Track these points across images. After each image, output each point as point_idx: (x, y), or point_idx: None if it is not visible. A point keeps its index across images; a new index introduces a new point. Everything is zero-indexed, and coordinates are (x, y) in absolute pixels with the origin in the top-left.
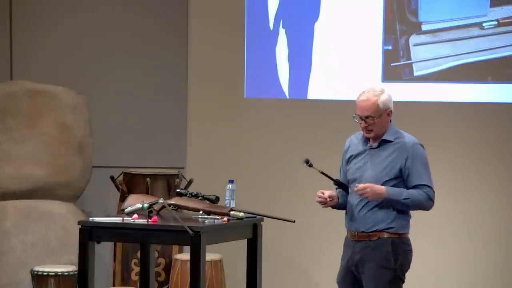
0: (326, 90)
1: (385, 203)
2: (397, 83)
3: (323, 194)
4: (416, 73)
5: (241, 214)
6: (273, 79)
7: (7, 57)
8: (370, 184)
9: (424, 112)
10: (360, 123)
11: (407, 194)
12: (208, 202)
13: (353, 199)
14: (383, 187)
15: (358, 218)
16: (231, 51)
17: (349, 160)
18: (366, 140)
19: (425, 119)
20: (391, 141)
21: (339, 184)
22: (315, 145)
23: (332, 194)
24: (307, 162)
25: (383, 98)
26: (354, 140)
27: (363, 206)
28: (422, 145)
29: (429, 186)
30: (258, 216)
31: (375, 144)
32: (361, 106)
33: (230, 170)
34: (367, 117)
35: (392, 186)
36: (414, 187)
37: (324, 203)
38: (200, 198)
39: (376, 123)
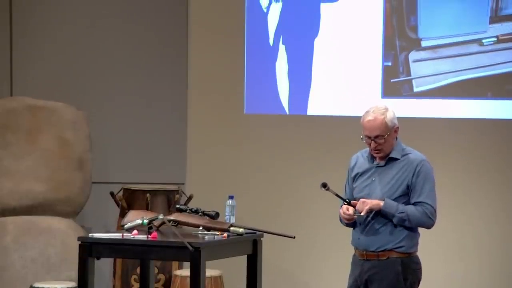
0: (326, 105)
1: (382, 215)
2: (397, 99)
3: (348, 210)
4: (416, 89)
5: (241, 230)
6: (273, 95)
7: (7, 74)
8: (362, 199)
9: (424, 128)
10: (369, 144)
11: (403, 208)
12: (208, 218)
13: (361, 217)
14: (379, 201)
15: (366, 236)
16: (231, 66)
17: (355, 178)
18: (373, 157)
19: (425, 135)
20: (398, 159)
21: (350, 204)
22: (315, 161)
23: (353, 211)
24: (324, 186)
25: (389, 115)
26: (360, 158)
27: (371, 225)
28: (428, 162)
29: (428, 204)
30: (258, 232)
31: (382, 162)
32: (369, 127)
33: (230, 186)
34: (376, 136)
35: (403, 203)
36: (414, 204)
37: (351, 220)
38: (200, 214)
39: (385, 142)
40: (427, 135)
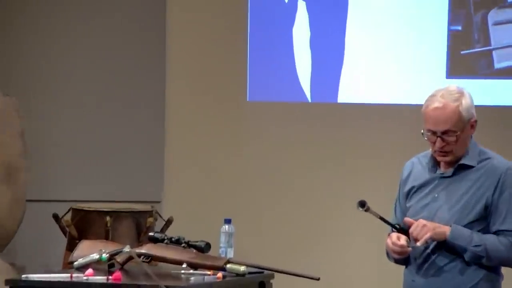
0: (364, 90)
1: (448, 247)
2: (469, 80)
3: (399, 240)
4: (497, 65)
5: (242, 268)
6: (289, 80)
7: None
8: (422, 220)
9: (509, 119)
10: (433, 143)
11: (479, 239)
12: (194, 251)
13: (416, 250)
14: (443, 226)
15: (425, 278)
16: (224, 58)
17: (410, 194)
18: (436, 164)
19: (509, 129)
20: (473, 167)
21: (402, 231)
22: (351, 166)
23: (406, 240)
24: (362, 205)
25: (466, 103)
26: (417, 165)
27: (433, 261)
28: None
29: None
30: (266, 271)
31: (449, 171)
32: (435, 117)
33: (226, 205)
34: (445, 132)
35: (479, 231)
36: (496, 232)
37: (403, 254)
38: (183, 245)
39: (458, 141)
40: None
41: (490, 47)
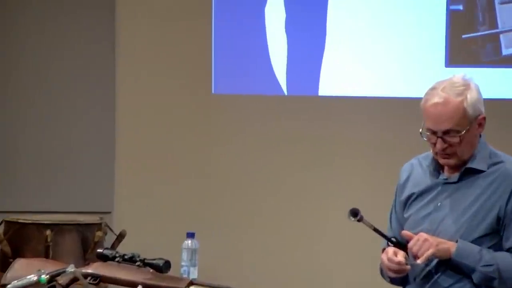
0: (349, 82)
1: (453, 266)
2: (472, 69)
3: (396, 256)
4: (505, 51)
5: None
6: (262, 72)
7: None
8: (423, 234)
9: None
10: (434, 144)
11: (490, 258)
12: (151, 270)
13: (416, 269)
14: (447, 242)
15: None
16: (184, 51)
17: (409, 202)
18: (437, 167)
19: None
20: (483, 171)
21: (399, 246)
22: (337, 169)
23: (404, 256)
24: (355, 214)
25: (472, 97)
26: (417, 168)
27: (435, 282)
28: None
29: None
30: None
31: (454, 176)
32: (435, 115)
33: (188, 216)
34: (447, 132)
35: (490, 247)
36: (510, 249)
37: (401, 272)
38: (138, 263)
39: (462, 142)
40: None
41: (497, 30)
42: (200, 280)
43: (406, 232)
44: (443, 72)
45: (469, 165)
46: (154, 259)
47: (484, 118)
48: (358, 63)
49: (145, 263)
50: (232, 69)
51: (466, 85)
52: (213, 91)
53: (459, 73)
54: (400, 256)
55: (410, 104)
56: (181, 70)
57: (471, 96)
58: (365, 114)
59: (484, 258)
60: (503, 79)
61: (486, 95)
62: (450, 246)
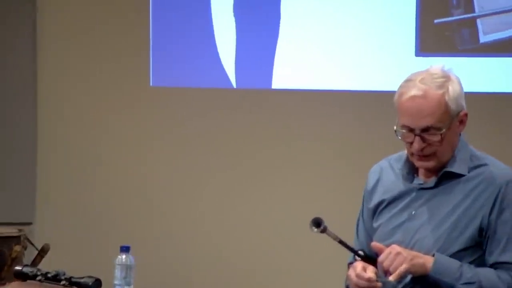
0: (307, 74)
1: (430, 283)
2: (445, 58)
3: (366, 272)
4: (483, 38)
5: None
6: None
7: None
8: (396, 246)
9: (498, 109)
10: (410, 144)
11: (473, 275)
12: None
13: (388, 286)
14: (423, 256)
15: None
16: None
17: (377, 210)
18: (411, 171)
19: (498, 121)
20: (463, 176)
21: (367, 260)
22: (291, 169)
23: (374, 272)
24: (317, 224)
25: (454, 90)
26: (388, 172)
27: None
28: None
29: None
30: None
31: (430, 181)
32: (413, 109)
33: (122, 227)
34: (426, 129)
35: (472, 262)
36: (494, 265)
37: None
38: (63, 282)
39: (443, 141)
40: (504, 120)
41: (474, 14)
42: None
43: (376, 244)
44: (413, 62)
45: (448, 168)
46: (82, 278)
47: (466, 115)
48: (316, 53)
49: (71, 282)
50: (173, 60)
51: (447, 77)
52: (151, 84)
53: (437, 64)
54: (370, 272)
55: (374, 98)
56: (115, 61)
57: (453, 89)
58: (323, 109)
59: (465, 275)
60: (481, 70)
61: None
62: (426, 261)
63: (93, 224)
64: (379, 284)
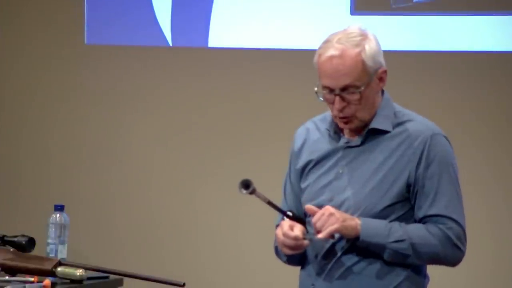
0: (241, 33)
1: (363, 246)
2: (380, 17)
3: (292, 230)
4: None
5: (78, 272)
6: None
7: None
8: (330, 208)
9: (432, 67)
10: (331, 103)
11: (403, 232)
12: (12, 249)
13: (317, 246)
14: (355, 218)
15: (329, 281)
16: None
17: (304, 171)
18: (338, 130)
19: (427, 80)
20: (388, 132)
21: (294, 219)
22: (225, 131)
23: (302, 231)
24: (246, 186)
25: (370, 48)
26: (314, 132)
27: (339, 260)
28: (447, 137)
29: (452, 219)
30: (112, 276)
31: (356, 139)
32: (331, 69)
33: (55, 186)
34: (345, 88)
35: (397, 218)
36: (423, 219)
37: (298, 248)
38: None
39: (362, 100)
40: (431, 79)
41: None
42: (70, 260)
43: (309, 207)
44: (348, 21)
45: (372, 125)
46: (16, 236)
47: (385, 72)
48: (252, 11)
49: (4, 241)
50: (108, 17)
51: (364, 35)
52: (86, 42)
53: (356, 24)
54: (297, 230)
55: (309, 56)
56: (49, 19)
57: (369, 46)
58: (259, 68)
59: (394, 234)
60: (415, 29)
61: (397, 46)
62: (358, 224)
63: (26, 183)
64: (306, 242)
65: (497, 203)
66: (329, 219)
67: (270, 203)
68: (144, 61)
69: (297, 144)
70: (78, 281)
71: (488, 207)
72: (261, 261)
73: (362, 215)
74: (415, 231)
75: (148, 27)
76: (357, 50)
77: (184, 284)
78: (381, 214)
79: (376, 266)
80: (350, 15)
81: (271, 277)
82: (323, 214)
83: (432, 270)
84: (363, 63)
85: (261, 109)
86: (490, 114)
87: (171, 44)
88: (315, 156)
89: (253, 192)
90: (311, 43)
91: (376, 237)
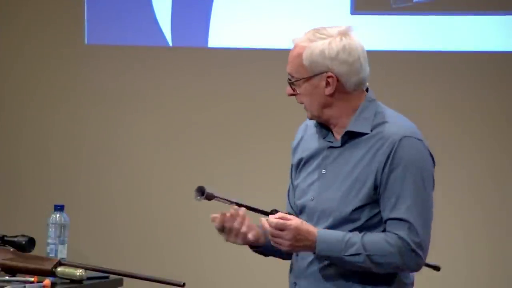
0: (242, 33)
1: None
2: (381, 16)
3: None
4: None
5: (79, 271)
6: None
7: None
8: (285, 217)
9: (431, 67)
10: None
11: (360, 245)
12: (12, 249)
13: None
14: (314, 230)
15: (309, 280)
16: None
17: (298, 168)
18: (324, 129)
19: (427, 80)
20: (365, 134)
21: (262, 212)
22: (226, 132)
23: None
24: (201, 192)
25: (319, 49)
26: (311, 130)
27: (314, 259)
28: (422, 141)
29: (413, 225)
30: (112, 276)
31: (337, 140)
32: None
33: (56, 186)
34: (290, 77)
35: (368, 220)
36: (386, 221)
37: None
38: None
39: (302, 91)
40: (438, 80)
41: None
42: (70, 260)
43: (263, 223)
44: (348, 20)
45: (349, 127)
46: (16, 236)
47: (332, 78)
48: (252, 11)
49: (4, 241)
50: (108, 17)
51: (330, 37)
52: (86, 42)
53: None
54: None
55: None
56: (49, 19)
57: (319, 48)
58: (259, 68)
59: (350, 248)
60: (415, 29)
61: (397, 46)
62: (313, 240)
63: (26, 183)
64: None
65: (497, 203)
66: (281, 238)
67: (238, 204)
68: (144, 61)
69: (296, 140)
70: (78, 281)
71: (488, 207)
72: (261, 261)
73: (335, 217)
74: (373, 243)
75: (148, 27)
76: (304, 45)
77: (184, 284)
78: (352, 217)
79: (350, 270)
80: (350, 15)
81: (271, 277)
82: (283, 230)
83: (428, 271)
84: (300, 58)
85: (261, 109)
86: (490, 114)
87: (171, 44)
88: (305, 154)
89: (210, 197)
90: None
91: (332, 251)
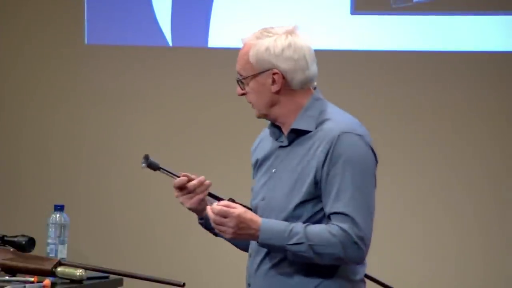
0: (241, 32)
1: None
2: (381, 17)
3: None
4: None
5: (79, 271)
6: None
7: None
8: (230, 205)
9: (431, 67)
10: None
11: (303, 235)
12: (12, 249)
13: (253, 244)
14: (258, 219)
15: (261, 278)
16: None
17: (255, 169)
18: (277, 130)
19: (427, 80)
20: (309, 132)
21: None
22: (226, 129)
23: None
24: (146, 160)
25: (265, 47)
26: (266, 132)
27: (266, 256)
28: (362, 136)
29: (353, 219)
30: (112, 276)
31: (286, 139)
32: None
33: (55, 186)
34: (238, 75)
35: (311, 216)
36: (329, 216)
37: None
38: None
39: (250, 90)
40: (434, 79)
41: None
42: (70, 260)
43: (207, 208)
44: (348, 20)
45: (293, 125)
46: (16, 236)
47: (278, 75)
48: (252, 11)
49: (4, 241)
50: (108, 17)
51: (277, 35)
52: (86, 42)
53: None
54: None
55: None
56: (47, 17)
57: (264, 46)
58: None
59: (294, 237)
60: (415, 29)
61: (397, 46)
62: (257, 228)
63: (26, 183)
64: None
65: (497, 203)
66: (224, 226)
67: (173, 175)
68: (144, 61)
69: (256, 142)
70: (78, 281)
71: (488, 207)
72: None
73: (278, 214)
74: (315, 233)
75: (148, 27)
76: (251, 43)
77: (184, 284)
78: (295, 213)
79: (296, 267)
80: (350, 15)
81: None
82: (224, 217)
83: (423, 269)
84: (247, 56)
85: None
86: (490, 114)
87: (171, 44)
88: (260, 155)
89: (155, 167)
90: (313, 42)
91: (275, 240)
